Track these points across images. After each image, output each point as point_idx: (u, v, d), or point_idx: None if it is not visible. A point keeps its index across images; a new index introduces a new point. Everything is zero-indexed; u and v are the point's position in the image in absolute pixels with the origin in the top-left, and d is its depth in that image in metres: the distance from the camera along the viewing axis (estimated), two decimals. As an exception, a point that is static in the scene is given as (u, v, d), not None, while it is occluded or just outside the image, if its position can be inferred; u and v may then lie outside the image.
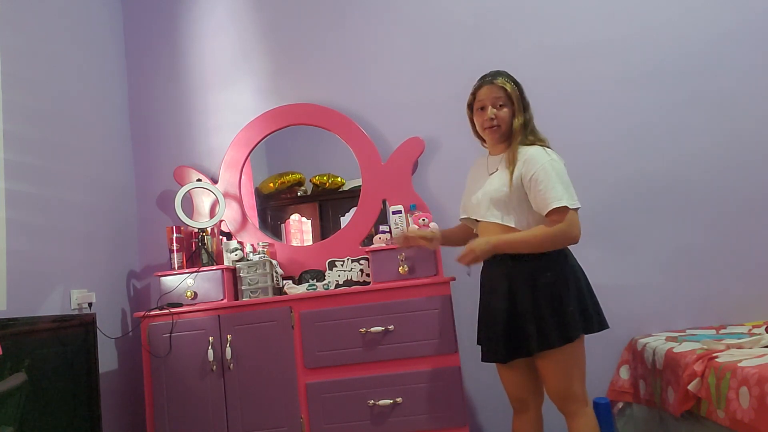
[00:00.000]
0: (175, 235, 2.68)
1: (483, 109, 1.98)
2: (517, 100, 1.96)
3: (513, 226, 1.91)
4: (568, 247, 1.95)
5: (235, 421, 2.31)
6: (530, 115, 2.01)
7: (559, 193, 1.83)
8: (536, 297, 1.87)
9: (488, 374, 2.72)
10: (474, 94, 2.02)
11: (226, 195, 2.83)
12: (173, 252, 2.66)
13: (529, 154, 1.90)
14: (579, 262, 2.79)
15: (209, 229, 2.74)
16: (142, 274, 2.92)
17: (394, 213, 2.59)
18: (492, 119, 1.96)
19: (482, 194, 1.98)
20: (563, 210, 1.83)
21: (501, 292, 1.93)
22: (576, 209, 1.86)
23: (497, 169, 1.97)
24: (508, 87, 1.95)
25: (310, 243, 2.92)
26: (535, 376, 2.01)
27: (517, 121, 1.96)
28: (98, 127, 2.77)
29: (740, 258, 2.67)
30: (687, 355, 2.09)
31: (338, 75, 2.97)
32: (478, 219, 2.01)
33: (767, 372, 1.70)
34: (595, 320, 1.94)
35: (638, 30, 2.83)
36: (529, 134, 1.98)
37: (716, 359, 1.97)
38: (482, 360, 1.99)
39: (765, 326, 2.32)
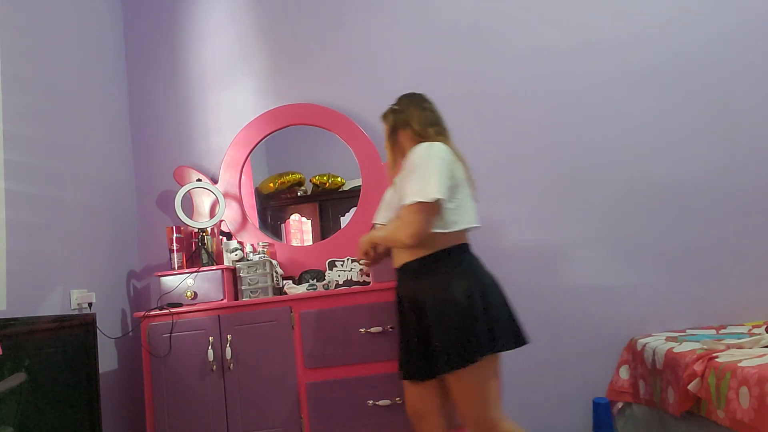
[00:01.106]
0: (175, 235, 2.68)
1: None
2: (398, 125, 2.04)
3: None
4: (475, 259, 1.91)
5: (235, 421, 2.31)
6: (415, 123, 2.01)
7: (412, 190, 1.75)
8: (437, 314, 1.76)
9: (488, 374, 2.73)
10: None
11: (226, 195, 2.83)
12: (173, 252, 2.66)
13: (409, 155, 1.89)
14: (578, 262, 2.80)
15: (209, 229, 2.74)
16: (142, 274, 2.92)
17: (394, 213, 2.59)
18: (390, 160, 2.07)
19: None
20: (411, 206, 1.75)
21: (408, 309, 1.87)
22: (431, 201, 1.74)
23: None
24: (386, 124, 2.09)
25: (310, 243, 2.92)
26: (444, 393, 1.90)
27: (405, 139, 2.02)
28: (98, 127, 2.77)
29: (740, 258, 2.67)
30: (687, 355, 2.09)
31: (338, 75, 2.97)
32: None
33: (767, 372, 1.70)
34: (507, 337, 1.80)
35: (638, 30, 2.83)
36: (418, 137, 1.97)
37: (716, 359, 1.97)
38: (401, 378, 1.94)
39: (765, 326, 2.32)
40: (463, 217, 1.85)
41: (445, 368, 1.74)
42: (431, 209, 1.76)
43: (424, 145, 1.86)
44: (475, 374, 1.76)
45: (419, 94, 2.13)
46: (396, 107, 2.10)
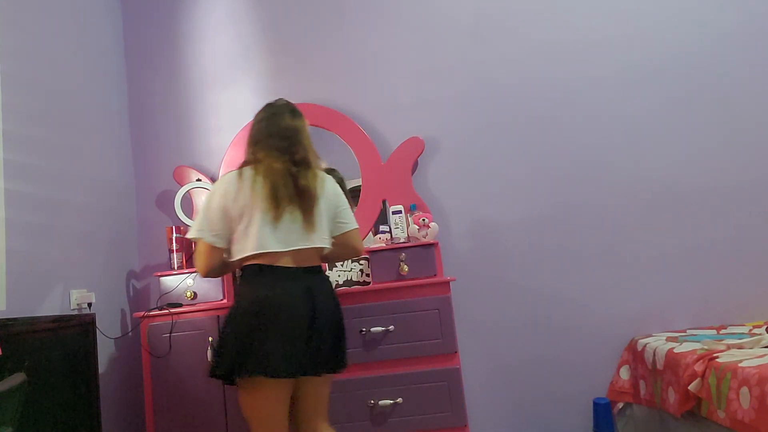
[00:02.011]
0: (174, 235, 2.68)
1: None
2: None
3: None
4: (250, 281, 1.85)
5: (234, 421, 2.31)
6: (247, 145, 2.03)
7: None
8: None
9: (488, 374, 2.73)
10: None
11: (226, 195, 2.83)
12: (173, 252, 2.66)
13: None
14: (578, 262, 2.80)
15: (209, 229, 2.73)
16: (141, 274, 2.92)
17: (394, 213, 2.59)
18: None
19: None
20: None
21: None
22: (193, 239, 1.91)
23: None
24: None
25: (310, 243, 2.92)
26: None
27: None
28: (98, 127, 2.77)
29: (740, 258, 2.67)
30: (687, 356, 2.09)
31: (338, 75, 2.97)
32: None
33: (767, 372, 1.70)
34: (242, 366, 1.75)
35: (638, 29, 2.83)
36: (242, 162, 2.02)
37: (717, 359, 1.97)
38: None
39: (765, 326, 2.32)
40: (245, 246, 1.84)
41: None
42: (198, 245, 1.92)
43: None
44: (239, 394, 1.83)
45: (266, 104, 2.06)
46: None
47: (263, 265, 1.82)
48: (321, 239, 1.89)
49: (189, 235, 1.95)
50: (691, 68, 2.79)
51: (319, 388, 1.92)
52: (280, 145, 1.91)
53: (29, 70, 2.30)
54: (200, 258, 1.90)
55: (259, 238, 1.81)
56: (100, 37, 2.91)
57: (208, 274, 1.94)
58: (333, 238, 1.97)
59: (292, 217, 1.84)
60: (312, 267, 1.89)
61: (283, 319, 1.76)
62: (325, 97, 2.93)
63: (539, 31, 2.89)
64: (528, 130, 2.84)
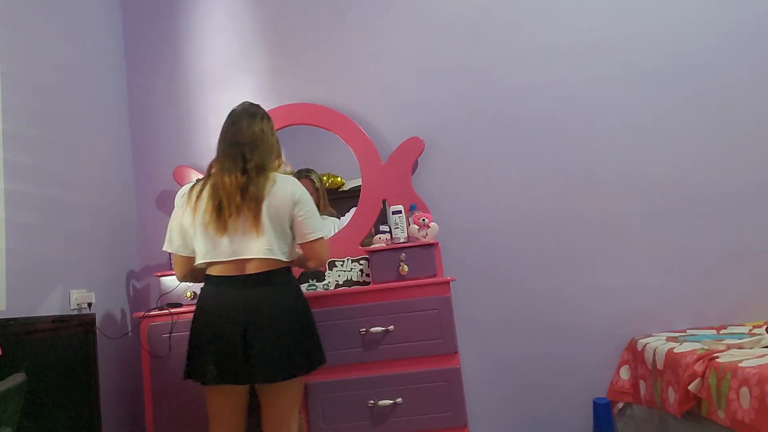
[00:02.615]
0: (175, 235, 2.67)
1: None
2: None
3: None
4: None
5: (235, 422, 2.31)
6: None
7: None
8: None
9: (488, 374, 2.73)
10: None
11: (226, 195, 2.83)
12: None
13: None
14: (578, 262, 2.80)
15: (209, 229, 2.73)
16: (141, 274, 2.91)
17: (394, 213, 2.59)
18: None
19: None
20: None
21: None
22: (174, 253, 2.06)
23: None
24: None
25: (310, 243, 2.92)
26: None
27: None
28: (98, 127, 2.77)
29: (740, 258, 2.67)
30: (687, 356, 2.09)
31: (338, 75, 2.97)
32: None
33: (767, 372, 1.70)
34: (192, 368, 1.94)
35: (638, 29, 2.83)
36: None
37: (717, 359, 1.97)
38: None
39: (765, 326, 2.32)
40: (198, 256, 1.99)
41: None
42: (173, 258, 2.09)
43: None
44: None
45: (230, 111, 2.12)
46: None
47: (211, 274, 1.95)
48: (268, 248, 1.92)
49: (164, 248, 2.10)
50: (691, 68, 2.79)
51: (278, 398, 1.95)
52: (234, 155, 1.98)
53: (29, 70, 2.30)
54: (174, 266, 2.10)
55: (204, 247, 1.95)
56: (100, 37, 2.91)
57: (184, 279, 2.12)
58: (299, 245, 2.04)
59: (235, 227, 1.91)
60: (260, 275, 1.92)
61: (217, 327, 1.88)
62: (325, 97, 2.93)
63: (539, 31, 2.88)
64: (528, 129, 2.84)
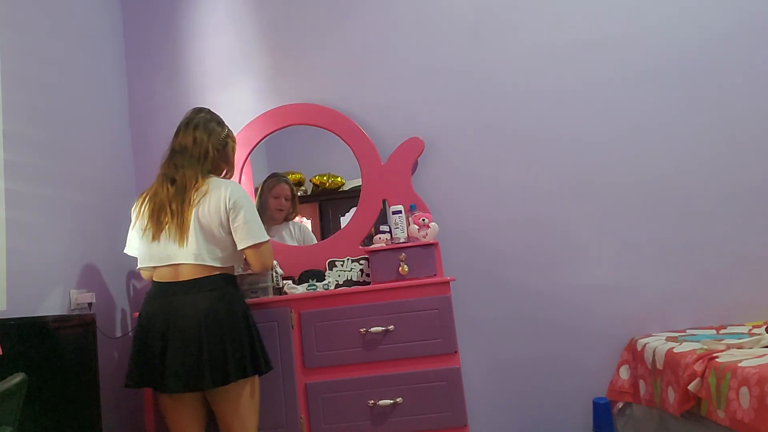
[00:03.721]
0: (175, 235, 2.67)
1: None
2: None
3: None
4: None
5: (235, 421, 2.31)
6: None
7: None
8: None
9: (488, 374, 2.73)
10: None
11: (226, 195, 2.83)
12: (173, 252, 2.66)
13: None
14: (578, 262, 2.80)
15: (209, 229, 2.73)
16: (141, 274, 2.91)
17: (394, 213, 2.59)
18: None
19: None
20: None
21: None
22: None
23: None
24: None
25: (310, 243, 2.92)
26: None
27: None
28: (98, 127, 2.77)
29: (740, 258, 2.67)
30: (687, 355, 2.09)
31: (338, 75, 2.97)
32: None
33: (767, 372, 1.70)
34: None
35: (638, 30, 2.83)
36: None
37: (716, 359, 1.97)
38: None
39: (765, 326, 2.32)
40: (138, 260, 2.12)
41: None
42: None
43: None
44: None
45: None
46: None
47: (153, 279, 2.05)
48: (195, 254, 1.97)
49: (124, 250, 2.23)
50: (692, 70, 2.79)
51: (220, 406, 1.96)
52: (169, 162, 2.10)
53: (29, 70, 2.30)
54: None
55: (141, 251, 2.07)
56: (100, 37, 2.91)
57: (149, 280, 2.13)
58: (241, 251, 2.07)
59: (168, 233, 2.00)
60: (191, 281, 1.96)
61: (144, 332, 1.96)
62: (325, 97, 2.93)
63: (539, 32, 2.88)
64: (528, 129, 2.84)
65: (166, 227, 1.99)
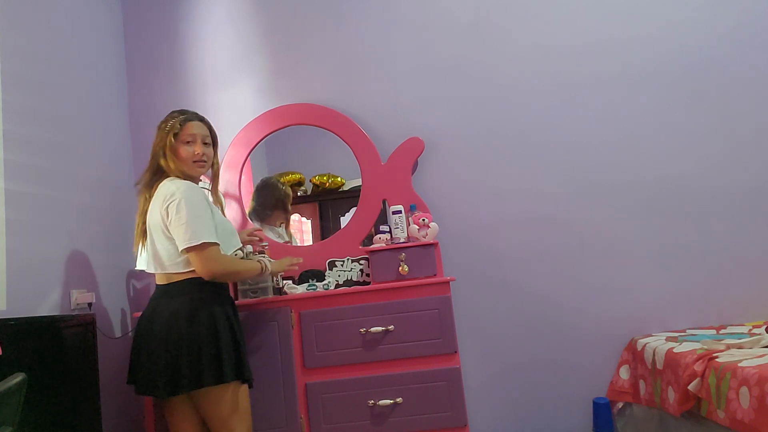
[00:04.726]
0: (174, 235, 2.67)
1: (191, 143, 2.02)
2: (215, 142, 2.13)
3: None
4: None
5: (235, 421, 2.31)
6: None
7: None
8: None
9: (488, 374, 2.73)
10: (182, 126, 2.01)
11: (225, 195, 2.83)
12: (173, 252, 2.66)
13: None
14: (578, 262, 2.80)
15: (209, 229, 2.73)
16: (141, 274, 2.91)
17: (394, 213, 2.59)
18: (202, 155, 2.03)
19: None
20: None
21: None
22: None
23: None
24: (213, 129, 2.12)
25: (310, 243, 2.92)
26: None
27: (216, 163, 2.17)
28: (98, 127, 2.77)
29: (740, 258, 2.67)
30: (687, 355, 2.09)
31: (338, 75, 2.97)
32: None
33: (767, 372, 1.70)
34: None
35: (638, 30, 2.83)
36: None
37: (716, 359, 1.97)
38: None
39: (765, 326, 2.32)
40: None
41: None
42: None
43: None
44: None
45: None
46: None
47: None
48: (151, 260, 1.99)
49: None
50: (693, 70, 2.79)
51: (201, 412, 1.94)
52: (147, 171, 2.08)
53: (30, 70, 2.30)
54: None
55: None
56: (100, 38, 2.91)
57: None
58: None
59: (138, 241, 2.07)
60: (161, 287, 1.98)
61: (135, 333, 2.00)
62: (326, 97, 2.93)
63: (539, 32, 2.88)
64: (528, 129, 2.84)
65: (140, 236, 2.06)
